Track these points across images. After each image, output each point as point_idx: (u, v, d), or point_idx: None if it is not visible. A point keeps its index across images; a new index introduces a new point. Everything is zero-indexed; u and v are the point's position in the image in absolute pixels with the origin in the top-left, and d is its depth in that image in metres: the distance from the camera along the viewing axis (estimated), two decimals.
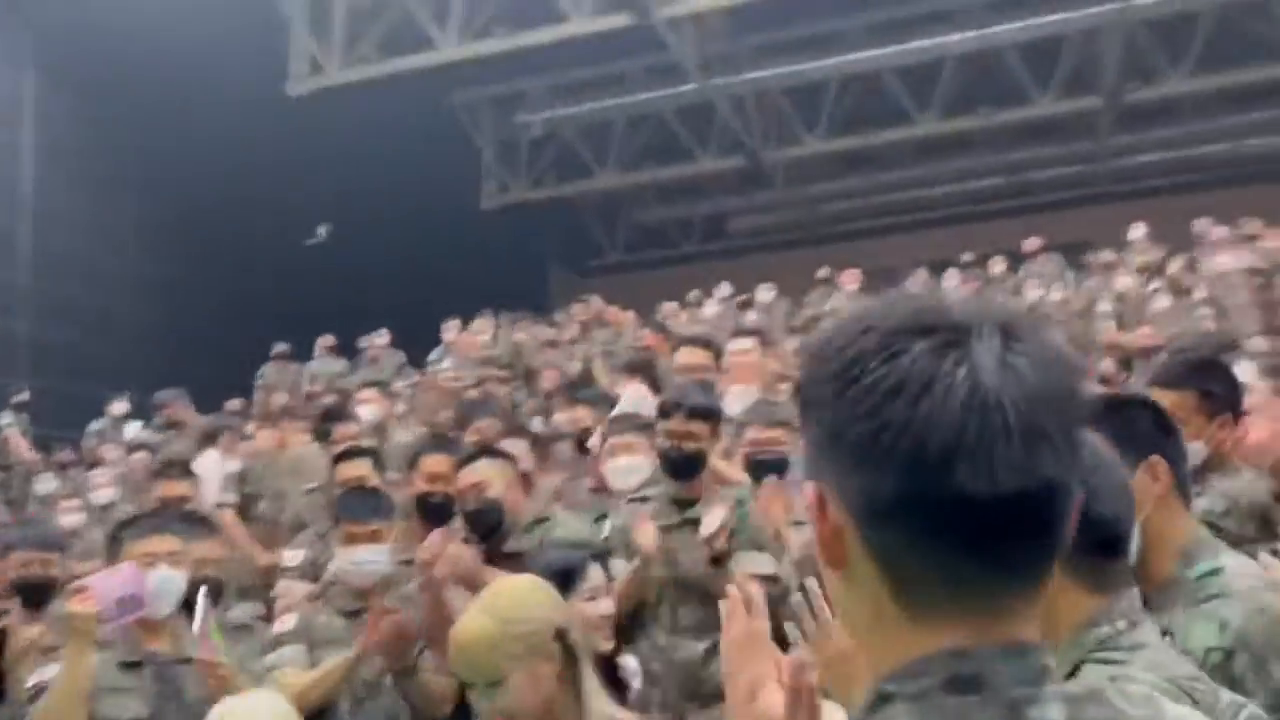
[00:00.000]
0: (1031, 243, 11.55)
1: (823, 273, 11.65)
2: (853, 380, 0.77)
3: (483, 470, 3.49)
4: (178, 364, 11.27)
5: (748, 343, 5.22)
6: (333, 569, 3.52)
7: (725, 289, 11.96)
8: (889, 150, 16.80)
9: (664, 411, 3.71)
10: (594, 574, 2.71)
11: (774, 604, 3.41)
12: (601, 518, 4.01)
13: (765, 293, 11.24)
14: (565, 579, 2.52)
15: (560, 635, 2.04)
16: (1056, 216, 15.29)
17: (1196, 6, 13.77)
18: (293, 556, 4.06)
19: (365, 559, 3.37)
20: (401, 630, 3.11)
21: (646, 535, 3.39)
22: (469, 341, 10.45)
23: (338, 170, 13.93)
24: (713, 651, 3.41)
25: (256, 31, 12.78)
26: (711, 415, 3.67)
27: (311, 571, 4.00)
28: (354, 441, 4.59)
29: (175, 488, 4.49)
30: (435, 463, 3.74)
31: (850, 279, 10.54)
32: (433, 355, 10.41)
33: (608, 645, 2.66)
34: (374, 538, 3.39)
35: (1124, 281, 9.71)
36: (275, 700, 2.51)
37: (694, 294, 11.87)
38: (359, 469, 4.23)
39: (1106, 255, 10.76)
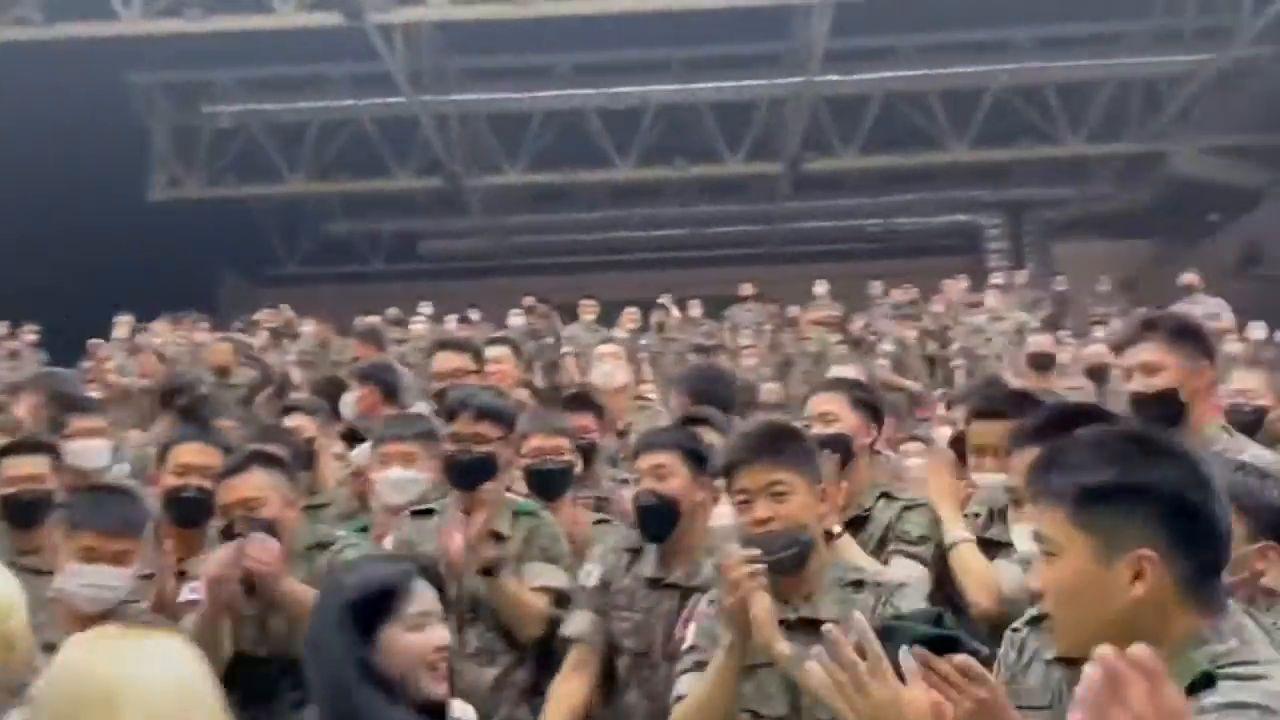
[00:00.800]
0: (746, 288, 12.10)
1: (528, 301, 11.60)
2: None
3: (256, 483, 2.96)
4: None
5: (502, 350, 5.03)
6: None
7: (427, 308, 11.59)
8: (585, 190, 17.14)
9: (449, 413, 3.44)
10: (422, 593, 1.99)
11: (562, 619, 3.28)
12: (363, 529, 3.65)
13: (515, 318, 11.02)
14: (383, 602, 1.93)
15: None
16: (734, 270, 16.17)
17: (867, 90, 15.17)
18: None
19: (100, 581, 2.67)
20: None
21: (455, 543, 3.05)
22: (141, 341, 9.44)
23: None
24: (503, 678, 3.17)
25: None
26: (503, 416, 3.44)
27: None
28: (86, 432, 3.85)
29: None
30: (189, 453, 3.20)
31: (589, 310, 10.57)
32: (103, 351, 9.29)
33: (441, 690, 1.96)
34: (120, 559, 2.68)
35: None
36: None
37: (393, 311, 11.41)
38: (29, 467, 3.45)
39: (792, 309, 11.48)
